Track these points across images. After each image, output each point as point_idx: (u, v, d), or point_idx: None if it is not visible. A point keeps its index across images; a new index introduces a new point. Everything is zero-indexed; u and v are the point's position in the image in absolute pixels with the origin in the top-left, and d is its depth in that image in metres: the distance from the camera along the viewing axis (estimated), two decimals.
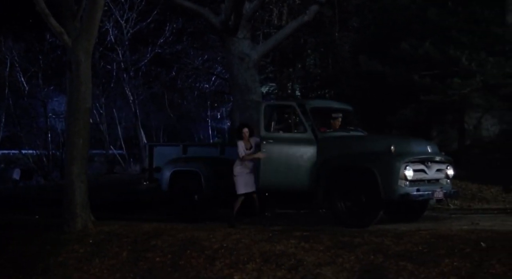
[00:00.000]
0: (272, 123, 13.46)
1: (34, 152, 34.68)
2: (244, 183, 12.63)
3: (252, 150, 12.63)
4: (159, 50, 32.12)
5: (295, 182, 12.50)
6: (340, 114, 13.54)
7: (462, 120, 20.18)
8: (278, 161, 12.79)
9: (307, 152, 12.62)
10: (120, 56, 31.67)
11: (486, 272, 8.49)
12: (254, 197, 12.77)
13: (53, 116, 35.73)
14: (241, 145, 12.58)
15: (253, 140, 12.74)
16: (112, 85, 34.05)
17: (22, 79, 33.74)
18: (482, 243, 9.20)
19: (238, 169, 12.64)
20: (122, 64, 32.05)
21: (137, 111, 31.75)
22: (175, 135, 37.78)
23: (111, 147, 34.71)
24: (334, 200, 12.09)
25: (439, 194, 12.27)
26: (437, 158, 12.56)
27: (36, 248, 12.38)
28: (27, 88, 34.18)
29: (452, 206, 15.98)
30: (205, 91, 35.04)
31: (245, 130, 12.72)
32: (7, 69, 33.11)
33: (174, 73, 33.74)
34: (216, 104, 37.09)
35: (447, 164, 12.69)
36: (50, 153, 34.12)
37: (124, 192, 20.96)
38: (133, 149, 34.45)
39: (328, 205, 12.40)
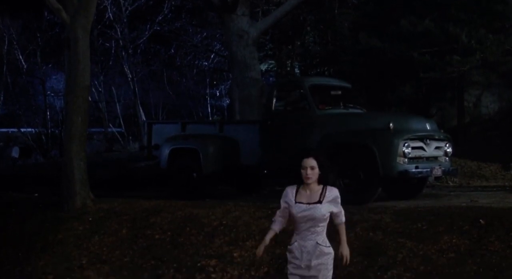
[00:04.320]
0: (274, 100, 13.45)
1: (33, 130, 34.64)
2: None
3: (319, 209, 6.03)
4: (158, 28, 32.00)
5: (294, 159, 12.48)
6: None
7: (461, 97, 20.18)
8: (279, 138, 12.82)
9: (307, 129, 12.62)
10: (119, 33, 31.51)
11: (485, 249, 8.52)
12: None
13: (52, 94, 35.65)
14: (288, 194, 6.20)
15: (331, 192, 6.16)
16: (110, 63, 33.95)
17: (21, 57, 33.63)
18: (481, 220, 9.21)
19: (289, 252, 6.16)
20: (120, 42, 31.91)
21: (136, 89, 31.68)
22: (174, 113, 37.70)
23: (110, 124, 34.67)
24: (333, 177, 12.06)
25: (437, 171, 12.27)
26: (436, 135, 12.56)
27: (35, 226, 12.39)
28: (25, 66, 34.09)
29: (451, 183, 16.00)
30: (204, 68, 34.93)
31: (310, 164, 6.13)
32: (5, 47, 32.98)
33: (173, 51, 33.63)
34: (215, 82, 36.98)
35: (446, 141, 12.69)
36: (49, 131, 34.08)
37: (123, 169, 20.96)
38: (132, 126, 34.40)
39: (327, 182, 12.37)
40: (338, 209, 6.12)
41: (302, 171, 6.08)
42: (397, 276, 8.50)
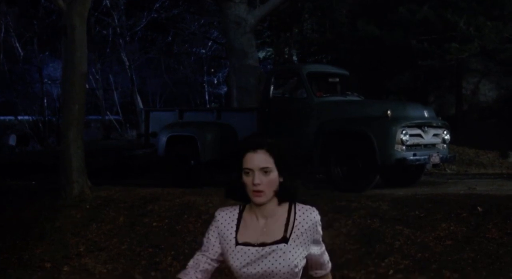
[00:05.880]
0: (271, 88, 13.43)
1: (30, 117, 34.59)
2: None
3: (285, 255, 2.99)
4: (155, 15, 31.89)
5: (293, 146, 12.48)
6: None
7: (459, 85, 20.18)
8: (276, 125, 12.81)
9: (304, 116, 12.61)
10: (116, 21, 31.41)
11: (482, 237, 8.52)
12: None
13: (49, 82, 35.56)
14: (221, 227, 3.12)
15: (306, 217, 3.05)
16: (108, 50, 33.87)
17: (17, 44, 33.52)
18: (478, 207, 9.21)
19: None
20: (118, 29, 31.82)
21: (134, 76, 31.60)
22: (172, 100, 37.66)
23: (108, 112, 34.63)
24: (331, 165, 12.09)
25: (435, 159, 12.28)
26: (434, 123, 12.56)
27: (33, 214, 12.37)
28: (22, 53, 33.98)
29: (449, 171, 16.00)
30: (201, 56, 34.89)
31: (260, 163, 2.97)
32: (2, 35, 32.88)
33: (170, 38, 33.56)
34: (212, 70, 36.94)
35: (443, 129, 12.69)
36: (46, 118, 34.01)
37: (120, 157, 20.94)
38: (130, 114, 34.37)
39: (325, 169, 12.40)
40: (320, 249, 3.17)
41: (246, 179, 3.03)
42: (395, 263, 8.50)
